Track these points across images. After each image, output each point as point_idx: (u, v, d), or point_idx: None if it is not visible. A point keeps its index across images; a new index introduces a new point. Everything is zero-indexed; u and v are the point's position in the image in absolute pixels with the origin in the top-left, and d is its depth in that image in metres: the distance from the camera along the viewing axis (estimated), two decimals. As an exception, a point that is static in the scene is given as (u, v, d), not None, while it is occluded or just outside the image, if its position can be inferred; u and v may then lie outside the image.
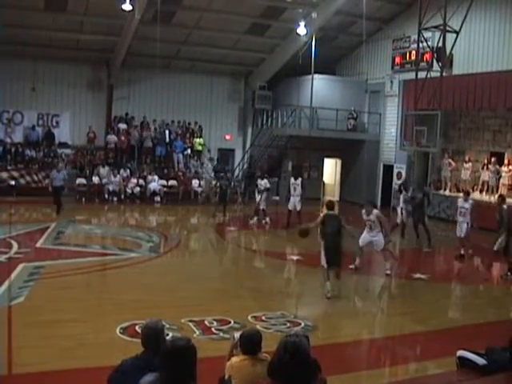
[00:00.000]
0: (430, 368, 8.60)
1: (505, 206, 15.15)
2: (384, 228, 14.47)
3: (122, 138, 27.90)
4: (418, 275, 14.68)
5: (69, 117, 28.28)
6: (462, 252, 17.14)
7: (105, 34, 25.93)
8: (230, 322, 9.94)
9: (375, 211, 14.41)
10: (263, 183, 22.40)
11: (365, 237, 14.49)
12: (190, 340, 4.27)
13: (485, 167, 24.49)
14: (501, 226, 15.02)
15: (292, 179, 21.67)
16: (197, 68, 30.40)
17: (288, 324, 10.18)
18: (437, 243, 19.33)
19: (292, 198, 21.03)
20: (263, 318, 10.34)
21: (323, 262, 12.12)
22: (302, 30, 26.26)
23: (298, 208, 20.68)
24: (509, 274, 14.81)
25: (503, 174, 23.64)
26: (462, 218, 16.89)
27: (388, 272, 14.37)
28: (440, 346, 9.25)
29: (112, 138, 27.89)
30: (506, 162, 23.88)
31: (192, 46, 28.36)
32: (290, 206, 20.86)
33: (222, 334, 9.33)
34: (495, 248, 15.38)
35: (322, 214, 12.59)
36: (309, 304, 11.91)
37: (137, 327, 8.97)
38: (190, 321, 9.87)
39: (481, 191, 24.79)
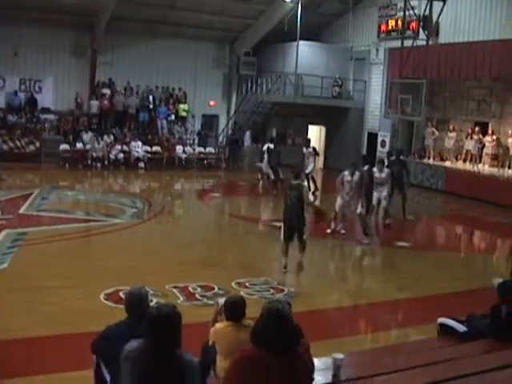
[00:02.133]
0: (411, 334, 8.72)
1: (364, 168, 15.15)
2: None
3: (106, 103, 27.68)
4: (400, 243, 14.81)
5: (52, 82, 27.90)
6: (388, 221, 16.79)
7: (88, -3, 25.58)
8: (213, 288, 10.00)
9: (358, 173, 14.63)
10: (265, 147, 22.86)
11: (341, 201, 14.69)
12: (175, 306, 4.30)
13: (468, 137, 24.61)
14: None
15: (304, 148, 21.99)
16: (182, 34, 30.05)
17: (271, 290, 10.27)
18: (420, 211, 19.45)
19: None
20: (247, 284, 10.40)
21: (281, 235, 11.75)
22: (287, -5, 26.06)
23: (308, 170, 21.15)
24: (364, 236, 14.62)
25: (487, 144, 23.77)
26: (381, 188, 16.04)
27: (365, 240, 14.52)
28: (422, 313, 9.36)
29: (95, 103, 27.67)
30: (489, 131, 23.99)
31: (177, 11, 28.01)
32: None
33: (205, 301, 9.39)
34: (358, 211, 15.02)
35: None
36: (292, 271, 11.97)
37: (121, 293, 8.99)
38: (174, 287, 9.91)
39: (464, 160, 24.95)
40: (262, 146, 23.30)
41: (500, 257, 15.51)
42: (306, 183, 13.70)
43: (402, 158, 18.86)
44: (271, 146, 22.30)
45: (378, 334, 9.15)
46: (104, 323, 5.24)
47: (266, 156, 22.14)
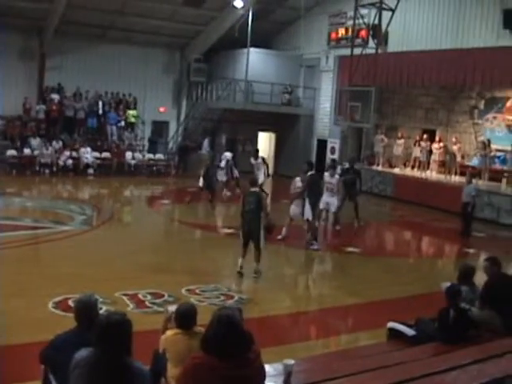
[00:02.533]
0: (361, 339, 8.80)
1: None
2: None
3: (54, 108, 27.29)
4: (350, 249, 14.95)
5: (-2, 86, 27.46)
6: (338, 227, 17.12)
7: (36, 1, 25.16)
8: (163, 296, 9.93)
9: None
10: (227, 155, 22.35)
11: (295, 208, 14.87)
12: (125, 314, 4.25)
13: (417, 144, 25.04)
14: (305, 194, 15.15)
15: (252, 159, 21.64)
16: (132, 39, 29.88)
17: (222, 297, 10.24)
18: (369, 217, 19.65)
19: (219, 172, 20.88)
20: (197, 291, 10.36)
21: (240, 239, 12.09)
22: (238, 2, 26.07)
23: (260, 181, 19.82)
24: (314, 242, 14.75)
25: (434, 151, 24.22)
26: (330, 193, 16.27)
27: (315, 246, 14.67)
28: (371, 317, 9.44)
29: (41, 108, 27.21)
30: (437, 139, 24.44)
31: (127, 17, 27.82)
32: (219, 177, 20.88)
33: (155, 308, 9.32)
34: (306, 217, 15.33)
35: (242, 195, 12.34)
36: (243, 277, 11.97)
37: (70, 301, 8.87)
38: (124, 294, 9.82)
39: (412, 167, 25.36)
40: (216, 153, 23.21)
41: (447, 261, 15.79)
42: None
43: (355, 167, 19.01)
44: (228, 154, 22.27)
45: (328, 340, 9.23)
46: (53, 332, 5.16)
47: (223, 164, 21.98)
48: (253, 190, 12.10)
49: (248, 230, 11.72)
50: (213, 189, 19.82)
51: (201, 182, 19.86)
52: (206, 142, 28.49)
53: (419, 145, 24.82)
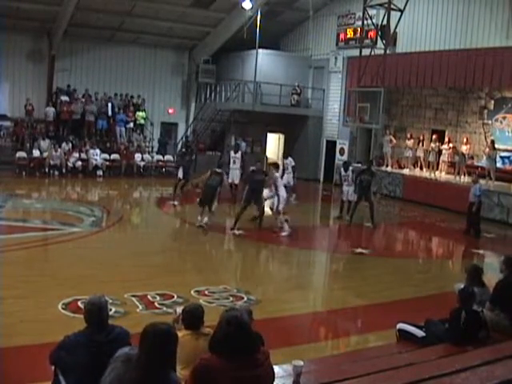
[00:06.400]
0: (370, 340, 8.77)
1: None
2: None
3: (64, 110, 27.36)
4: (359, 250, 14.91)
5: (8, 88, 27.53)
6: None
7: (46, 3, 25.24)
8: (173, 297, 9.93)
9: (276, 174, 16.40)
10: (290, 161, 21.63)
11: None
12: (171, 326, 4.20)
13: (420, 144, 25.06)
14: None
15: (232, 153, 21.51)
16: (140, 40, 29.97)
17: (231, 298, 10.23)
18: (378, 219, 19.61)
19: (231, 172, 20.62)
20: (206, 292, 10.35)
21: (198, 201, 16.00)
22: (247, 4, 26.06)
23: (237, 181, 20.52)
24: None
25: (443, 152, 24.16)
26: (347, 184, 18.60)
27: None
28: (381, 319, 9.42)
29: (50, 110, 27.29)
30: (446, 139, 24.39)
31: (136, 18, 27.88)
32: (229, 179, 20.20)
33: (165, 309, 9.32)
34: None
35: (209, 171, 15.90)
36: (251, 278, 11.97)
37: (79, 303, 8.89)
38: (133, 295, 9.82)
39: (421, 168, 25.30)
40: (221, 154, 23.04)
41: (456, 262, 15.73)
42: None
43: (372, 168, 19.05)
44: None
45: (337, 341, 9.20)
46: (62, 333, 5.15)
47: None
48: (218, 170, 15.96)
49: (205, 197, 15.59)
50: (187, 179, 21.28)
51: (180, 174, 21.23)
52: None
53: (422, 145, 24.85)
